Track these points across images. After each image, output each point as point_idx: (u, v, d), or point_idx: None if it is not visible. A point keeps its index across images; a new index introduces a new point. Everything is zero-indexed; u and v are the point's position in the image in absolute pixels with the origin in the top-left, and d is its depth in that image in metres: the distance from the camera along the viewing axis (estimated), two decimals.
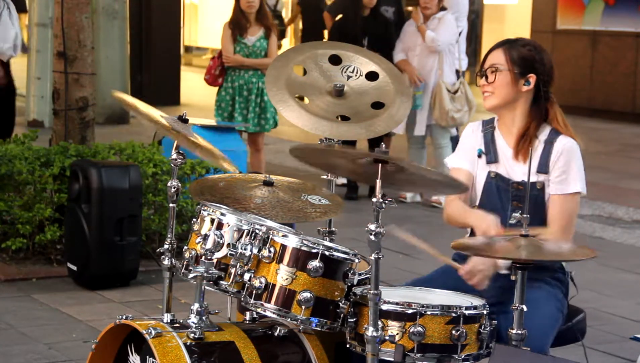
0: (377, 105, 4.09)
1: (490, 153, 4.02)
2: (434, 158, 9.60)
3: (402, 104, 4.10)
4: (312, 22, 14.53)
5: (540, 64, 3.97)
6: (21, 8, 11.02)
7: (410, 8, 9.66)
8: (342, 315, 3.55)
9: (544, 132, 3.98)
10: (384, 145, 3.50)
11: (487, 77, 3.98)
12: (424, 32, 9.19)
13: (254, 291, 3.56)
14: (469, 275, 3.80)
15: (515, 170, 3.96)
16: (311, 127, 3.96)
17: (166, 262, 3.93)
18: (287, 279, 3.53)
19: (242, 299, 3.63)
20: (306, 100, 4.06)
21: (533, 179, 3.88)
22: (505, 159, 4.00)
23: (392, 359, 3.45)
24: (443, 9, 9.34)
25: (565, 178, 3.92)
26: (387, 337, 3.44)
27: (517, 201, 3.91)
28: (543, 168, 3.93)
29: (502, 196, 3.96)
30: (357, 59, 4.19)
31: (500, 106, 4.00)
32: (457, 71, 9.43)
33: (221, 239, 3.61)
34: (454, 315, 3.47)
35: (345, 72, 4.14)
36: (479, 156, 4.03)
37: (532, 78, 3.96)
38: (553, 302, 3.87)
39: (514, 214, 3.55)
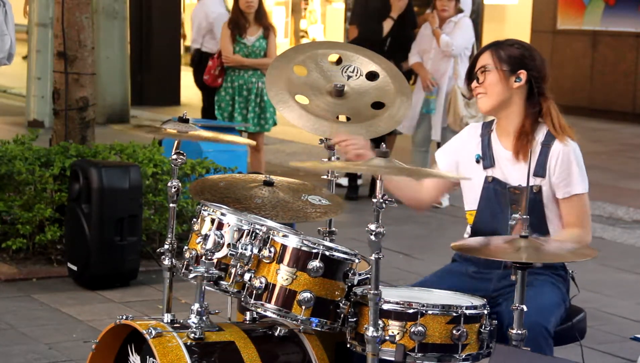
0: (378, 105, 4.09)
1: (487, 158, 4.02)
2: None
3: (402, 104, 4.10)
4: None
5: (530, 60, 3.99)
6: None
7: (428, 11, 9.57)
8: (342, 315, 3.55)
9: (541, 133, 3.98)
10: (384, 145, 3.50)
11: (477, 79, 4.01)
12: (439, 36, 9.13)
13: (254, 291, 3.56)
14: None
15: (512, 173, 3.96)
16: (311, 127, 3.96)
17: (166, 262, 3.93)
18: (287, 279, 3.53)
19: (242, 299, 3.63)
20: (306, 100, 4.06)
21: (530, 182, 3.89)
22: (502, 163, 4.00)
23: (392, 359, 3.45)
24: (460, 11, 9.29)
25: (568, 182, 3.93)
26: (387, 337, 3.44)
27: (516, 205, 3.91)
28: (540, 171, 3.93)
29: (500, 200, 3.96)
30: (358, 58, 4.19)
31: (496, 107, 4.01)
32: None
33: (221, 239, 3.61)
34: (454, 314, 3.47)
35: (345, 72, 4.14)
36: (477, 161, 4.03)
37: (523, 74, 3.98)
38: (556, 291, 3.89)
39: (513, 215, 3.56)
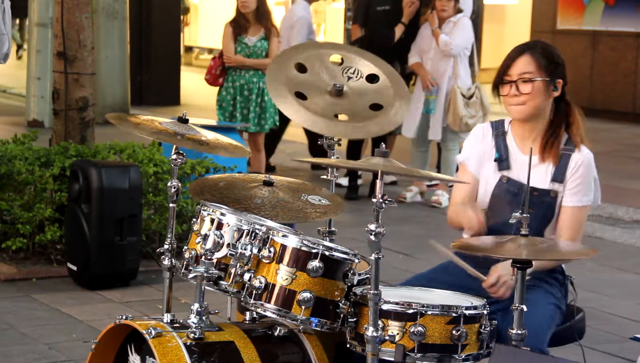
0: (375, 107, 4.09)
1: (503, 160, 4.01)
2: (442, 160, 9.58)
3: (399, 108, 4.09)
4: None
5: (564, 68, 3.98)
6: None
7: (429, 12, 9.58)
8: (342, 315, 3.55)
9: (563, 139, 3.98)
10: (383, 145, 3.50)
11: (518, 87, 3.91)
12: (438, 36, 9.15)
13: (254, 291, 3.56)
14: (494, 287, 3.78)
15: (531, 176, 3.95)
16: (309, 124, 3.96)
17: (166, 262, 3.93)
18: (287, 279, 3.53)
19: (242, 299, 3.63)
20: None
21: (548, 186, 3.89)
22: (518, 165, 3.99)
23: (392, 359, 3.44)
24: (459, 11, 9.30)
25: (580, 190, 3.92)
26: (387, 337, 3.44)
27: (530, 207, 3.88)
28: (559, 177, 3.92)
29: (511, 199, 3.95)
30: (359, 61, 4.18)
31: (532, 116, 3.97)
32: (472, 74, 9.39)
33: (221, 239, 3.61)
34: (454, 315, 3.47)
35: (346, 73, 4.14)
36: (495, 161, 4.02)
37: (560, 83, 3.97)
38: (551, 300, 3.87)
39: (513, 214, 3.54)
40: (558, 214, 3.95)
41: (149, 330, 3.52)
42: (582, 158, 3.95)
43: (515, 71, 3.94)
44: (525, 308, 3.47)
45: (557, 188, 3.93)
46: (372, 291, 3.35)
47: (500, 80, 3.98)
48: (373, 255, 3.33)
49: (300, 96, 4.01)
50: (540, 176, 3.92)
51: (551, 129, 3.98)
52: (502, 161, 4.02)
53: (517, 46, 4.03)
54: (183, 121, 4.01)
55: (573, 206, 3.93)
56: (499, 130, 4.08)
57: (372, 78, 4.15)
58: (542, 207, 3.88)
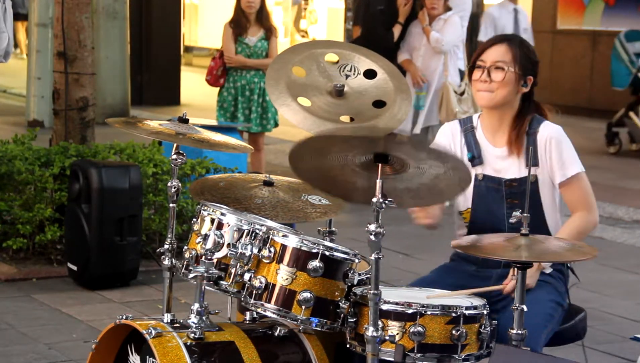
0: (379, 104, 4.08)
1: (475, 156, 4.01)
2: None
3: (402, 102, 4.09)
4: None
5: (536, 66, 3.99)
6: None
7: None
8: (342, 315, 3.55)
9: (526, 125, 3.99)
10: None
11: (489, 74, 3.92)
12: (429, 33, 9.20)
13: (254, 291, 3.56)
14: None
15: (504, 168, 3.95)
16: (317, 129, 3.96)
17: (166, 262, 3.93)
18: (287, 279, 3.53)
19: (242, 299, 3.63)
20: (308, 102, 4.06)
21: (524, 174, 3.88)
22: (491, 160, 3.99)
23: (392, 359, 3.45)
24: (449, 9, 9.36)
25: (564, 162, 3.92)
26: (387, 337, 3.44)
27: (512, 198, 3.91)
28: (533, 161, 3.91)
29: (494, 196, 3.96)
30: (354, 57, 4.18)
31: (497, 105, 3.96)
32: (461, 71, 9.44)
33: (221, 239, 3.61)
34: (454, 315, 3.47)
35: (343, 71, 4.13)
36: (470, 160, 4.01)
37: (530, 81, 3.97)
38: (552, 297, 3.86)
39: (514, 213, 3.54)
40: (540, 198, 3.93)
41: (149, 330, 3.52)
42: (548, 133, 3.93)
43: (489, 57, 3.95)
44: (525, 308, 3.47)
45: (534, 172, 3.92)
46: (372, 291, 3.35)
47: (473, 64, 3.98)
48: (373, 255, 3.33)
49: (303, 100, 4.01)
50: (515, 166, 3.92)
51: (518, 120, 3.98)
52: (475, 158, 4.01)
53: (496, 35, 4.08)
54: (183, 121, 4.01)
55: (568, 179, 3.92)
56: (467, 126, 4.07)
57: (369, 74, 4.14)
58: (525, 196, 3.86)
